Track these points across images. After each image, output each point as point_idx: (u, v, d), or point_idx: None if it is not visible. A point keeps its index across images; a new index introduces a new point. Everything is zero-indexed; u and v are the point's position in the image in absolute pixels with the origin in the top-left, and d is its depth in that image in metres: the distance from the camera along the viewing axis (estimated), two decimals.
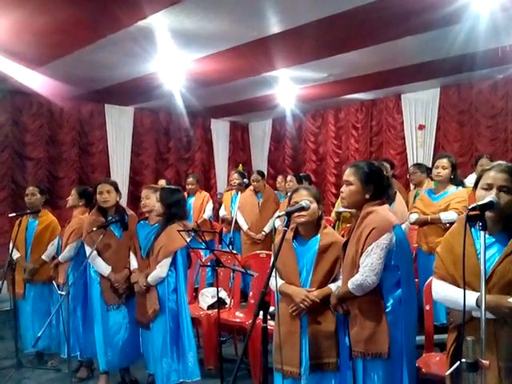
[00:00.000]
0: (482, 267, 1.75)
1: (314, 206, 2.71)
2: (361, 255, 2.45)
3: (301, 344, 2.66)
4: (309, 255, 2.74)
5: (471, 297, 1.92)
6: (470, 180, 5.59)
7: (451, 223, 4.21)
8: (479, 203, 1.84)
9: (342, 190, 2.63)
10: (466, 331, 1.89)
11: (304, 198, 2.71)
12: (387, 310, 2.43)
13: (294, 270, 2.74)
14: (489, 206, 1.86)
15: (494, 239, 2.03)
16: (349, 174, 2.59)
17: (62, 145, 8.16)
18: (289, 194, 3.56)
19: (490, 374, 1.88)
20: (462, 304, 1.82)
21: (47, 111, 7.98)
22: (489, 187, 1.99)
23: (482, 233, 1.76)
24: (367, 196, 2.54)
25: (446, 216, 4.20)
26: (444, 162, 4.35)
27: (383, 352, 2.40)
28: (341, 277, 2.72)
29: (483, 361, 1.59)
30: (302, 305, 2.64)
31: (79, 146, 8.40)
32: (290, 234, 2.79)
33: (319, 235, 2.76)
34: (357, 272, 2.46)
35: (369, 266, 2.40)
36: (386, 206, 2.60)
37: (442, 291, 2.12)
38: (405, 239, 2.55)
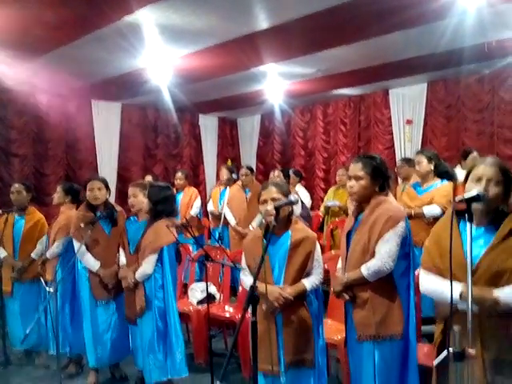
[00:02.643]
0: (469, 260, 1.77)
1: None
2: (376, 242, 2.52)
3: (278, 342, 2.67)
4: (281, 252, 2.73)
5: (455, 289, 1.94)
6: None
7: (435, 218, 4.26)
8: (466, 196, 1.87)
9: (350, 185, 2.66)
10: (453, 323, 1.91)
11: (273, 195, 2.72)
12: (399, 293, 2.55)
13: (266, 268, 2.70)
14: (475, 198, 1.89)
15: (481, 231, 2.06)
16: (357, 169, 2.63)
17: (48, 141, 8.07)
18: None
19: (476, 365, 1.91)
20: (447, 296, 1.85)
21: (33, 107, 7.89)
22: (479, 179, 2.02)
23: (469, 224, 1.79)
24: (376, 189, 2.63)
25: (430, 210, 4.24)
26: (418, 157, 4.46)
27: (396, 333, 2.52)
28: (314, 270, 2.74)
29: (470, 350, 1.62)
30: (275, 303, 2.63)
31: (66, 142, 8.31)
32: (260, 232, 2.80)
33: (290, 231, 2.75)
34: (369, 258, 2.53)
35: (387, 252, 2.49)
36: (392, 197, 2.71)
37: (428, 283, 2.15)
38: (410, 229, 2.66)
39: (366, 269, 2.53)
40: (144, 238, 3.48)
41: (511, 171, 2.06)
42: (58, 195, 4.25)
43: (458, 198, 1.88)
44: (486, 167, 2.04)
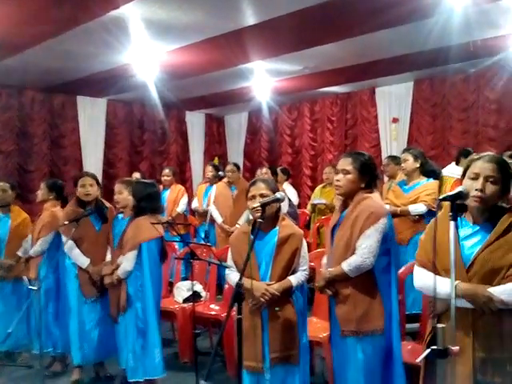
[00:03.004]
0: (452, 257, 1.77)
1: None
2: (357, 238, 2.54)
3: (263, 338, 2.66)
4: (267, 248, 2.73)
5: (448, 284, 1.91)
6: (450, 170, 5.68)
7: (420, 215, 4.29)
8: (449, 193, 1.87)
9: (337, 178, 2.69)
10: (445, 320, 1.90)
11: (262, 191, 2.73)
12: (379, 289, 2.56)
13: (252, 264, 2.70)
14: (458, 196, 1.89)
15: (478, 228, 2.03)
16: (346, 164, 2.66)
17: (32, 137, 7.96)
18: None
19: (465, 364, 1.90)
20: (441, 292, 1.85)
21: (17, 103, 7.77)
22: (476, 176, 1.99)
23: (452, 223, 1.79)
24: (362, 185, 2.65)
25: (415, 208, 4.26)
26: (404, 155, 4.50)
27: (378, 329, 2.54)
28: (300, 267, 2.75)
29: (453, 347, 1.62)
30: (262, 299, 2.63)
31: (50, 138, 8.21)
32: (247, 228, 2.80)
33: (277, 228, 2.76)
34: (351, 254, 2.55)
35: (368, 248, 2.51)
36: (378, 194, 2.73)
37: (422, 278, 2.13)
38: (393, 226, 2.68)
39: (347, 265, 2.55)
40: (125, 234, 3.46)
41: (510, 166, 2.02)
42: (41, 192, 4.19)
43: (441, 196, 1.88)
44: (483, 163, 2.00)
